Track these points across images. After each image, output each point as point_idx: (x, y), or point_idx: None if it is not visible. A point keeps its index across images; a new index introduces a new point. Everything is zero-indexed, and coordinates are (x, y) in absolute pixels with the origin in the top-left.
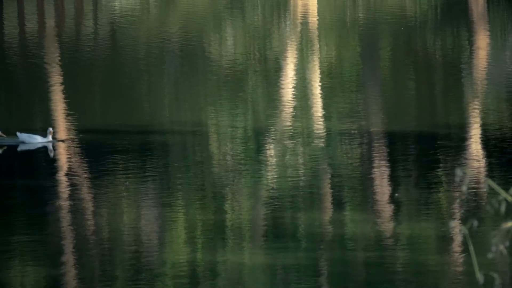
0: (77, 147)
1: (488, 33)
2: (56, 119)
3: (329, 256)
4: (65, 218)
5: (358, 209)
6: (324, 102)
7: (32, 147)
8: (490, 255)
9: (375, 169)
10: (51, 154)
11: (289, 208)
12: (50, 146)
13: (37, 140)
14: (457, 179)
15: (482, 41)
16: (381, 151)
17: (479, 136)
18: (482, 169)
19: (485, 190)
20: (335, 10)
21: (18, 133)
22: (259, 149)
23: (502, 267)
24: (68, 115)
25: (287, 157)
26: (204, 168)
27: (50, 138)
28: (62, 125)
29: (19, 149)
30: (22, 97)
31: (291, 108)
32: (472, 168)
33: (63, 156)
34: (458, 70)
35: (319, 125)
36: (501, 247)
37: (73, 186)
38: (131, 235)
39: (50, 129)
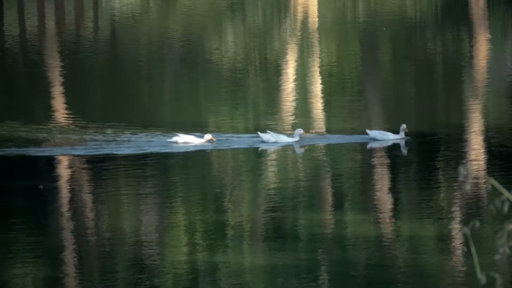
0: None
1: (488, 33)
2: (56, 119)
3: (330, 257)
4: (66, 218)
5: (359, 210)
6: (324, 102)
7: (383, 144)
8: (497, 257)
9: (375, 169)
10: (404, 152)
11: (289, 209)
12: (402, 143)
13: (389, 137)
14: (460, 178)
15: (482, 41)
16: (381, 151)
17: (480, 136)
18: (483, 168)
19: (486, 189)
20: (335, 10)
21: (368, 130)
22: (259, 149)
23: (503, 267)
24: (68, 115)
25: (287, 157)
26: (204, 168)
27: (402, 135)
28: (63, 124)
29: (369, 146)
30: (22, 96)
31: (291, 108)
32: (473, 167)
33: (63, 161)
34: (458, 70)
35: (319, 125)
36: (506, 248)
37: (73, 187)
38: (132, 236)
39: (404, 126)
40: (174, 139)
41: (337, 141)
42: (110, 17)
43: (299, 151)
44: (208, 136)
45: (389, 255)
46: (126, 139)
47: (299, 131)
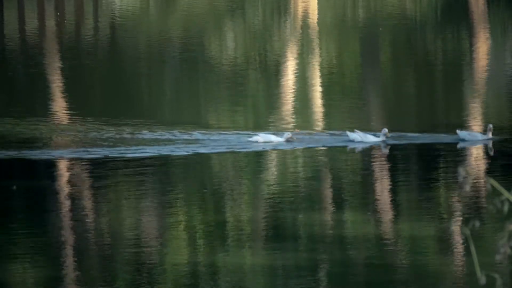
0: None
1: (488, 33)
2: (57, 119)
3: (329, 257)
4: (66, 219)
5: (359, 210)
6: (325, 102)
7: (472, 145)
8: (497, 257)
9: (375, 170)
10: (491, 152)
11: (289, 209)
12: (490, 143)
13: (478, 138)
14: (460, 178)
15: (482, 41)
16: (381, 151)
17: (480, 135)
18: (483, 169)
19: (486, 190)
20: (335, 10)
21: (458, 131)
22: (259, 149)
23: (503, 267)
24: (68, 114)
25: (287, 157)
26: (204, 169)
27: (490, 135)
28: (64, 125)
29: (459, 146)
30: (22, 96)
31: (291, 109)
32: (473, 168)
33: (64, 164)
34: (458, 70)
35: (319, 126)
36: (507, 248)
37: (73, 187)
38: (132, 236)
39: (490, 125)
40: (255, 138)
41: (426, 141)
42: (110, 17)
43: (384, 150)
44: (288, 135)
45: (389, 255)
46: (205, 138)
47: (384, 130)
